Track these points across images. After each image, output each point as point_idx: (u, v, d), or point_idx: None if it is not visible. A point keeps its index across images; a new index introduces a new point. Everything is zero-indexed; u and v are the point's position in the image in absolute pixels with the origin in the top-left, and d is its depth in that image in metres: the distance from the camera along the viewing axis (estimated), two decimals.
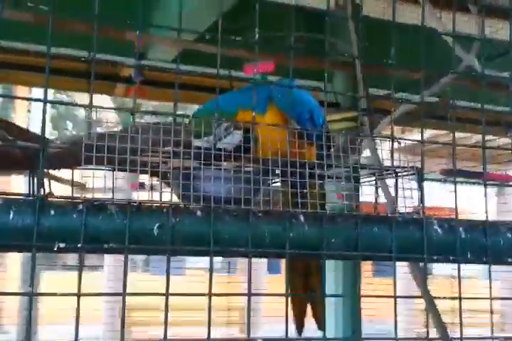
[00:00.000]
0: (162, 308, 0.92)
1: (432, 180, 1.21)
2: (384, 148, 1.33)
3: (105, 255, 7.47)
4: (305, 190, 1.19)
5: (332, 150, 1.51)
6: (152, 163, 1.14)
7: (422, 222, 1.16)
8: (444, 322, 2.52)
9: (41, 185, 0.98)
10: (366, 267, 8.93)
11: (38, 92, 7.33)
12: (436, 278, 8.04)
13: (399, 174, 1.26)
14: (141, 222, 1.00)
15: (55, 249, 0.94)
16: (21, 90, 7.92)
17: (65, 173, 1.34)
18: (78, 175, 1.19)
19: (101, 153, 1.05)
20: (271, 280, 8.98)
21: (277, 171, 1.19)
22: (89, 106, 0.98)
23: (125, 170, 1.10)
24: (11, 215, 0.93)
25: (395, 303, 1.10)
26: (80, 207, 0.97)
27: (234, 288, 7.99)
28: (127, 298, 0.92)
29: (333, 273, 3.70)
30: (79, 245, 0.94)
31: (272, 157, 1.18)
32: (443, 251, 1.17)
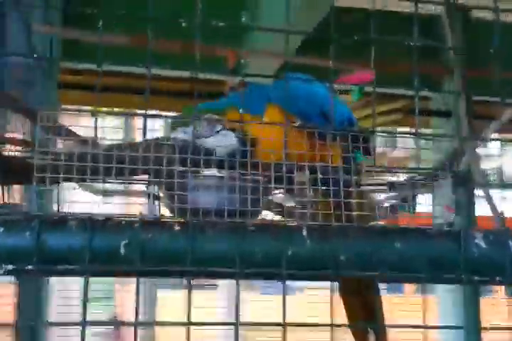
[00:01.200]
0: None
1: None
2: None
3: None
4: (341, 200, 1.02)
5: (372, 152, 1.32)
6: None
7: (459, 234, 0.95)
8: None
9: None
10: None
11: None
12: None
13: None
14: (105, 238, 0.86)
15: (2, 272, 0.81)
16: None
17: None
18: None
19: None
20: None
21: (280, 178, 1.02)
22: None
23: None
24: None
25: None
26: (34, 223, 0.84)
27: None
28: None
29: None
30: (29, 267, 0.82)
31: (275, 161, 1.01)
32: (487, 270, 0.95)
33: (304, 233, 0.92)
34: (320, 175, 1.11)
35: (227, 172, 1.00)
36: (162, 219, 0.90)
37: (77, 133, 1.35)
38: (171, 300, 7.79)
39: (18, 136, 1.47)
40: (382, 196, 1.25)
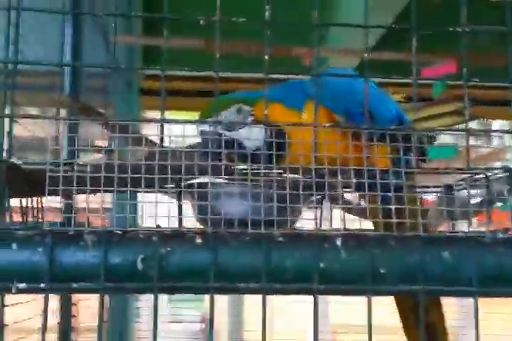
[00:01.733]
0: None
1: None
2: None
3: None
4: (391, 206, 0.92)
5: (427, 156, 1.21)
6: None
7: None
8: None
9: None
10: None
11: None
12: None
13: (490, 177, 0.94)
14: (121, 253, 0.81)
15: (14, 292, 0.77)
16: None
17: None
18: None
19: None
20: None
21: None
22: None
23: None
24: None
25: None
26: (47, 238, 0.80)
27: None
28: None
29: None
30: (42, 285, 0.77)
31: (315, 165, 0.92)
32: None
33: (338, 242, 0.83)
34: (367, 180, 1.01)
35: (262, 177, 0.93)
36: (182, 231, 0.83)
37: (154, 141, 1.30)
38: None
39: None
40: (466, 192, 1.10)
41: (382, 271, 0.82)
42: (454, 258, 0.83)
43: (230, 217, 0.87)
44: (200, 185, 0.94)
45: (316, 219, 0.88)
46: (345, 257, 0.82)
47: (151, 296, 0.78)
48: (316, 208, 0.95)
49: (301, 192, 0.89)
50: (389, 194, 0.93)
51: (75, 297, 2.90)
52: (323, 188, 0.94)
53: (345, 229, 0.88)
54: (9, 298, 0.84)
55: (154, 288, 0.78)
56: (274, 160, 0.92)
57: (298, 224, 1.00)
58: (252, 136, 0.97)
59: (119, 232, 0.82)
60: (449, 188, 1.11)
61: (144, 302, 7.12)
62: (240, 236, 0.83)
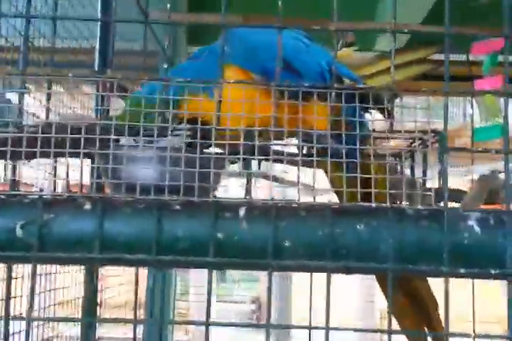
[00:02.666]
0: None
1: (460, 149, 0.76)
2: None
3: None
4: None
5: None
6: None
7: (443, 215, 0.74)
8: None
9: None
10: None
11: None
12: None
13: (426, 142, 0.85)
14: (1, 219, 0.74)
15: None
16: None
17: None
18: None
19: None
20: None
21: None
22: None
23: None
24: None
25: None
26: None
27: None
28: None
29: None
30: None
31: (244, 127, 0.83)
32: (480, 261, 0.74)
33: (242, 212, 0.75)
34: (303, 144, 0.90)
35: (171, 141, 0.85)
36: (73, 196, 0.76)
37: None
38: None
39: None
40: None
41: (286, 245, 0.74)
42: (370, 232, 0.74)
43: (134, 181, 0.79)
44: (115, 148, 0.86)
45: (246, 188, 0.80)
46: (246, 228, 0.74)
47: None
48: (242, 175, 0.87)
49: (213, 156, 0.80)
50: (341, 160, 0.84)
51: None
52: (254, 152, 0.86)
53: (271, 199, 0.79)
54: None
55: (32, 257, 0.72)
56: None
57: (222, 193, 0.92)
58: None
59: (2, 197, 0.76)
60: (397, 157, 1.01)
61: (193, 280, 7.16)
62: (134, 203, 0.76)
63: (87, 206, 0.75)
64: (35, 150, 0.75)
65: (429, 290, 1.47)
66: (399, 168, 1.02)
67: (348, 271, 0.74)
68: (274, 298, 7.18)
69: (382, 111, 1.12)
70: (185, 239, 0.74)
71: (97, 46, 2.47)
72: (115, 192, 0.86)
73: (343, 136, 0.81)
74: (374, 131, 1.00)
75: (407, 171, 0.92)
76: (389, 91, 0.86)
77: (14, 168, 0.77)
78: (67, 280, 3.26)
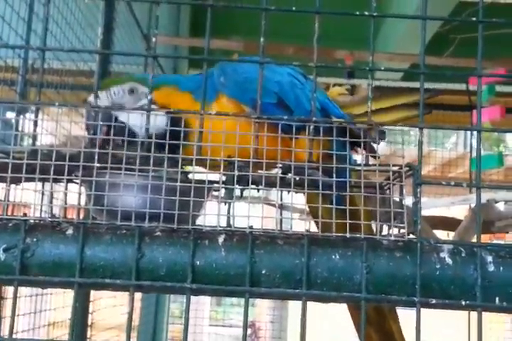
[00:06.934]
0: None
1: (432, 183, 0.78)
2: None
3: None
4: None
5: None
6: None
7: (415, 247, 0.76)
8: None
9: None
10: None
11: None
12: None
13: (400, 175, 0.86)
14: None
15: None
16: None
17: None
18: None
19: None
20: None
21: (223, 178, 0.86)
22: None
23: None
24: None
25: None
26: None
27: None
28: None
29: None
30: None
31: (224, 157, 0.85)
32: (452, 292, 0.76)
33: (220, 240, 0.78)
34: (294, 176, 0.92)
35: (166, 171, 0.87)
36: (57, 221, 0.78)
37: None
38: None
39: None
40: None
41: (263, 272, 0.76)
42: (344, 261, 0.76)
43: (116, 208, 0.81)
44: (98, 175, 0.89)
45: (221, 214, 0.81)
46: (224, 256, 0.76)
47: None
48: (225, 203, 0.88)
49: (194, 185, 0.82)
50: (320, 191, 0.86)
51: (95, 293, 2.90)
52: (240, 181, 0.88)
53: (250, 227, 0.81)
54: None
55: (15, 281, 0.74)
56: (173, 150, 0.85)
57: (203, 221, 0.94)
58: (144, 123, 0.88)
59: None
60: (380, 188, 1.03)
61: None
62: (116, 230, 0.78)
63: (69, 231, 0.77)
64: (21, 175, 0.77)
65: (400, 329, 1.49)
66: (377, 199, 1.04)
67: (322, 299, 0.76)
68: (269, 321, 7.17)
69: (365, 147, 1.15)
70: (165, 265, 0.75)
71: (96, 70, 2.52)
72: (103, 218, 0.88)
73: (320, 168, 0.83)
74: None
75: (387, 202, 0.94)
76: (366, 126, 0.88)
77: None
78: (60, 301, 3.26)
